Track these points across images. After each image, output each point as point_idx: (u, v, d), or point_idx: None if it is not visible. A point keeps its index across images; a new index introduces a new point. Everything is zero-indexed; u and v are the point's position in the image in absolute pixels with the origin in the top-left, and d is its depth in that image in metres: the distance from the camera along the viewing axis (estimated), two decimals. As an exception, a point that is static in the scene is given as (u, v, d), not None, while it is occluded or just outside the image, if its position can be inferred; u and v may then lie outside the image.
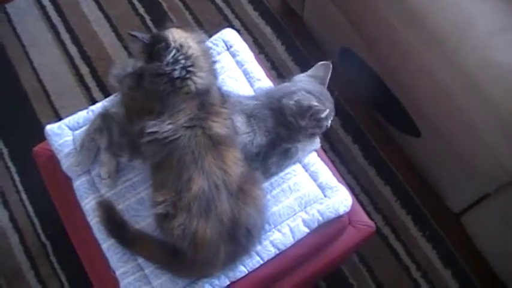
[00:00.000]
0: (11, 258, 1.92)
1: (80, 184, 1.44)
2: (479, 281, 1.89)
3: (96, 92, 2.19)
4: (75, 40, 2.30)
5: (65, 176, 1.47)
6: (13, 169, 2.06)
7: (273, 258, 1.38)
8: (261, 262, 1.37)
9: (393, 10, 1.56)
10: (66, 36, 2.31)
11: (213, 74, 1.36)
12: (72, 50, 2.28)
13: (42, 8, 2.38)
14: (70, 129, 1.51)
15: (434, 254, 1.93)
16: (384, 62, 1.73)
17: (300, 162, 1.48)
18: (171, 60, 1.27)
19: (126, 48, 2.26)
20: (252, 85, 1.58)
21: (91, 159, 1.44)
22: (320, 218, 1.40)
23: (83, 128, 1.49)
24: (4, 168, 2.06)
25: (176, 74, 1.27)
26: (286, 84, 1.49)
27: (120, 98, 1.42)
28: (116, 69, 1.44)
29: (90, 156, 1.44)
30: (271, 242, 1.37)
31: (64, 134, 1.50)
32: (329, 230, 1.44)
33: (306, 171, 1.47)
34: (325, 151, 1.67)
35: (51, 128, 1.51)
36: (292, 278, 1.44)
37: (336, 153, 2.07)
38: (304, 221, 1.40)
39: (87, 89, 2.20)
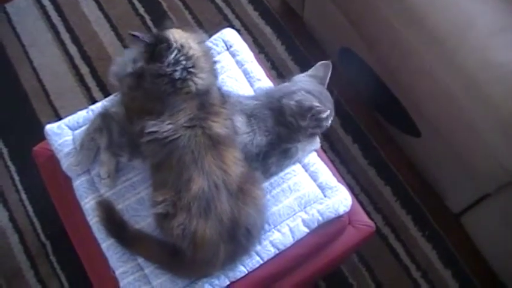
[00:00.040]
0: (11, 258, 1.92)
1: (79, 184, 1.44)
2: (479, 281, 1.89)
3: (96, 92, 2.19)
4: (75, 40, 2.30)
5: (64, 176, 1.47)
6: (13, 168, 2.06)
7: (272, 258, 1.38)
8: (261, 262, 1.37)
9: (393, 10, 1.56)
10: (66, 36, 2.31)
11: (214, 74, 1.36)
12: (72, 49, 2.28)
13: (42, 7, 2.37)
14: (70, 128, 1.51)
15: (434, 254, 1.93)
16: (383, 62, 1.73)
17: (300, 162, 1.48)
18: (172, 61, 1.27)
19: (126, 48, 2.26)
20: (252, 85, 1.58)
21: (91, 158, 1.44)
22: (320, 218, 1.40)
23: (83, 128, 1.49)
24: (4, 167, 2.06)
25: (177, 75, 1.27)
26: (286, 84, 1.49)
27: (120, 98, 1.42)
28: (116, 65, 1.44)
29: (89, 156, 1.44)
30: (271, 242, 1.37)
31: (64, 133, 1.50)
32: (329, 230, 1.44)
33: (306, 171, 1.47)
34: (324, 151, 1.67)
35: (50, 127, 1.51)
36: (292, 278, 1.44)
37: (335, 153, 2.07)
38: (304, 221, 1.40)
39: (87, 88, 2.20)
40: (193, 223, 1.22)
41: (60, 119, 1.59)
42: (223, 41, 1.64)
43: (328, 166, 1.51)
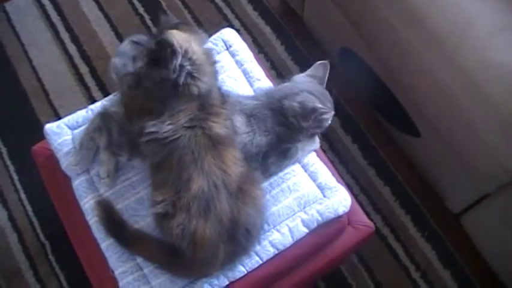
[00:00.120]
0: (10, 258, 1.91)
1: (79, 183, 1.44)
2: (478, 281, 1.89)
3: (95, 91, 2.19)
4: (75, 39, 2.30)
5: (64, 175, 1.47)
6: (12, 168, 2.06)
7: (272, 258, 1.38)
8: (260, 262, 1.37)
9: (393, 10, 1.56)
10: (65, 35, 2.31)
11: (215, 75, 1.36)
12: (72, 49, 2.28)
13: (42, 7, 2.37)
14: (69, 128, 1.51)
15: (433, 255, 1.92)
16: (383, 62, 1.73)
17: (300, 162, 1.48)
18: (177, 68, 1.26)
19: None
20: (251, 85, 1.57)
21: (90, 158, 1.44)
22: (319, 218, 1.40)
23: (82, 127, 1.49)
24: (3, 167, 2.06)
25: (181, 80, 1.26)
26: (286, 84, 1.49)
27: (120, 97, 1.42)
28: (118, 59, 1.43)
29: (89, 156, 1.44)
30: (270, 242, 1.37)
31: (63, 133, 1.49)
32: (328, 230, 1.44)
33: (305, 171, 1.47)
34: (324, 151, 1.67)
35: (50, 127, 1.51)
36: (291, 278, 1.44)
37: (335, 153, 2.07)
38: (303, 221, 1.40)
39: (87, 88, 2.20)
40: (192, 223, 1.22)
41: (59, 118, 1.58)
42: (222, 40, 1.64)
43: (327, 166, 1.51)
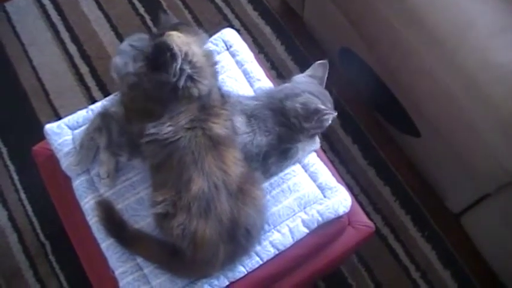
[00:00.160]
0: (10, 258, 1.91)
1: (79, 183, 1.44)
2: (478, 282, 1.89)
3: (95, 91, 2.19)
4: (75, 39, 2.30)
5: (64, 176, 1.47)
6: (12, 168, 2.06)
7: (272, 259, 1.38)
8: (260, 262, 1.37)
9: (393, 10, 1.56)
10: (65, 35, 2.31)
11: (215, 77, 1.36)
12: (72, 49, 2.28)
13: (42, 6, 2.37)
14: (69, 128, 1.51)
15: (433, 255, 1.93)
16: (383, 62, 1.73)
17: (300, 163, 1.48)
18: (177, 72, 1.25)
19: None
20: (251, 85, 1.57)
21: (90, 158, 1.44)
22: (319, 219, 1.40)
23: (83, 127, 1.49)
24: (3, 167, 2.06)
25: (181, 84, 1.26)
26: (287, 85, 1.49)
27: (120, 98, 1.42)
28: (118, 58, 1.43)
29: (89, 156, 1.44)
30: (270, 242, 1.37)
31: (63, 133, 1.49)
32: (328, 230, 1.44)
33: (306, 171, 1.47)
34: (324, 151, 1.67)
35: (50, 127, 1.51)
36: (292, 279, 1.44)
37: (335, 154, 2.07)
38: (303, 221, 1.40)
39: (87, 88, 2.20)
40: (193, 223, 1.22)
41: (59, 118, 1.58)
42: (223, 41, 1.64)
43: (327, 166, 1.51)
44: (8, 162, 2.07)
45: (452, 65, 1.46)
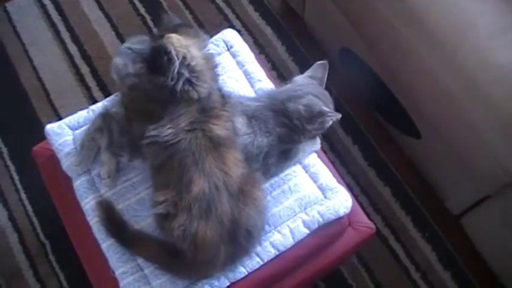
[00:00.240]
0: (10, 258, 1.91)
1: (79, 184, 1.44)
2: (478, 282, 1.89)
3: (96, 92, 2.19)
4: (75, 39, 2.30)
5: (64, 176, 1.47)
6: (12, 168, 2.06)
7: (272, 259, 1.38)
8: (261, 263, 1.37)
9: (393, 10, 1.56)
10: (66, 35, 2.31)
11: (215, 79, 1.36)
12: (72, 49, 2.28)
13: (43, 6, 2.37)
14: (70, 128, 1.51)
15: (433, 256, 1.93)
16: (384, 62, 1.73)
17: (300, 163, 1.48)
18: (175, 75, 1.25)
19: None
20: (252, 86, 1.57)
21: (91, 158, 1.44)
22: (320, 219, 1.40)
23: (83, 128, 1.49)
24: (3, 167, 2.06)
25: (179, 87, 1.26)
26: (288, 86, 1.49)
27: (120, 98, 1.42)
28: (119, 59, 1.43)
29: (90, 156, 1.44)
30: (271, 243, 1.37)
31: (64, 133, 1.49)
32: (329, 231, 1.44)
33: (306, 172, 1.47)
34: (325, 152, 1.67)
35: (51, 127, 1.51)
36: (292, 279, 1.44)
37: (335, 154, 2.07)
38: (304, 222, 1.40)
39: (87, 88, 2.20)
40: (194, 224, 1.21)
41: (60, 118, 1.59)
42: (224, 41, 1.64)
43: (328, 167, 1.51)
44: (9, 162, 2.07)
45: (452, 65, 1.46)
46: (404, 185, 2.03)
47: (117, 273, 1.34)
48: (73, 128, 1.51)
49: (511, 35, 1.44)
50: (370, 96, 2.10)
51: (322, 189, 1.45)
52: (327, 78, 1.53)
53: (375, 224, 1.60)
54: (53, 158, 1.51)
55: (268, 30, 2.31)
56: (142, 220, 1.38)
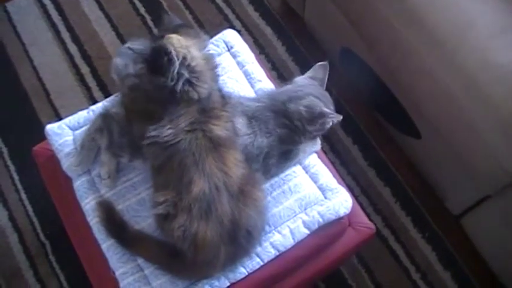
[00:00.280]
0: (10, 258, 1.91)
1: (80, 184, 1.44)
2: (478, 283, 1.89)
3: (96, 92, 2.19)
4: (76, 39, 2.30)
5: (65, 176, 1.47)
6: (12, 168, 2.06)
7: (273, 260, 1.38)
8: (261, 263, 1.37)
9: (393, 10, 1.56)
10: (66, 35, 2.31)
11: (215, 80, 1.36)
12: (73, 49, 2.28)
13: (43, 6, 2.37)
14: (70, 129, 1.51)
15: (433, 256, 1.93)
16: (384, 62, 1.73)
17: (301, 164, 1.48)
18: (175, 76, 1.25)
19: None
20: (252, 86, 1.57)
21: (91, 159, 1.44)
22: (320, 220, 1.40)
23: (84, 128, 1.49)
24: (3, 167, 2.06)
25: (179, 88, 1.26)
26: (289, 87, 1.49)
27: (120, 98, 1.42)
28: (119, 59, 1.43)
29: (90, 156, 1.44)
30: (271, 243, 1.37)
31: (64, 133, 1.49)
32: (329, 231, 1.44)
33: (307, 172, 1.47)
34: (325, 152, 1.67)
35: (51, 127, 1.51)
36: (292, 280, 1.44)
37: (335, 154, 2.07)
38: (304, 222, 1.40)
39: (88, 88, 2.20)
40: (194, 225, 1.21)
41: (60, 118, 1.59)
42: (224, 42, 1.64)
43: (328, 168, 1.51)
44: (9, 162, 2.07)
45: (452, 65, 1.46)
46: (404, 185, 2.03)
47: (117, 273, 1.34)
48: (73, 129, 1.51)
49: (511, 35, 1.44)
50: (370, 96, 2.10)
51: (322, 189, 1.45)
52: (327, 78, 1.53)
53: (375, 224, 1.60)
54: (53, 158, 1.51)
55: (268, 31, 2.31)
56: (143, 220, 1.39)
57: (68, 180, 1.46)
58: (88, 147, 1.43)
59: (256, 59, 1.65)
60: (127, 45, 1.33)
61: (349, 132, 2.11)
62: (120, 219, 1.36)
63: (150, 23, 2.33)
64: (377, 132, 2.11)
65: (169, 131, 1.25)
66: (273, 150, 1.39)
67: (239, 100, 1.42)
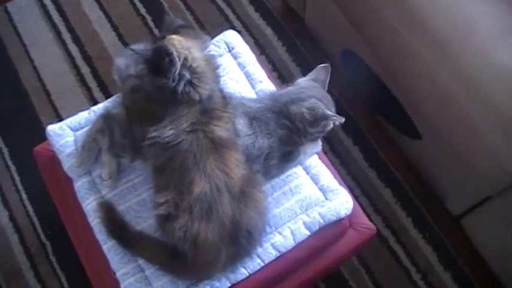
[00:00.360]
0: (11, 258, 1.91)
1: (81, 185, 1.44)
2: (479, 283, 1.90)
3: (96, 92, 2.19)
4: (76, 40, 2.30)
5: (65, 177, 1.46)
6: (13, 168, 2.06)
7: (273, 261, 1.38)
8: (262, 264, 1.37)
9: (394, 11, 1.56)
10: (67, 36, 2.31)
11: (216, 81, 1.36)
12: (73, 49, 2.28)
13: (43, 7, 2.37)
14: (71, 129, 1.51)
15: (434, 256, 1.93)
16: (385, 64, 1.73)
17: (301, 165, 1.48)
18: (176, 77, 1.25)
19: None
20: (253, 87, 1.57)
21: (92, 160, 1.44)
22: (321, 221, 1.40)
23: (85, 129, 1.49)
24: (4, 167, 2.06)
25: (181, 89, 1.26)
26: (291, 88, 1.49)
27: (121, 99, 1.42)
28: (120, 60, 1.43)
29: (91, 157, 1.44)
30: (272, 244, 1.37)
31: (65, 134, 1.49)
32: (330, 232, 1.44)
33: (307, 173, 1.47)
34: (325, 153, 1.67)
35: (52, 128, 1.51)
36: (293, 280, 1.44)
37: (336, 155, 2.07)
38: (305, 223, 1.40)
39: (88, 88, 2.20)
40: (195, 226, 1.21)
41: (60, 118, 1.59)
42: (225, 42, 1.64)
43: (329, 168, 1.51)
44: (9, 163, 2.07)
45: (453, 67, 1.46)
46: (404, 185, 2.03)
47: (118, 274, 1.34)
48: (74, 129, 1.51)
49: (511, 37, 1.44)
50: (371, 98, 2.10)
51: (323, 190, 1.45)
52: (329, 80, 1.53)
53: (376, 225, 1.60)
54: (54, 159, 1.51)
55: (268, 31, 2.31)
56: (144, 221, 1.39)
57: (69, 181, 1.46)
58: (89, 148, 1.43)
59: (257, 59, 1.65)
60: (129, 47, 1.33)
61: (349, 133, 2.11)
62: (121, 220, 1.36)
63: (151, 24, 2.33)
64: (377, 133, 2.11)
65: (171, 132, 1.25)
66: (273, 151, 1.39)
67: (240, 101, 1.42)
